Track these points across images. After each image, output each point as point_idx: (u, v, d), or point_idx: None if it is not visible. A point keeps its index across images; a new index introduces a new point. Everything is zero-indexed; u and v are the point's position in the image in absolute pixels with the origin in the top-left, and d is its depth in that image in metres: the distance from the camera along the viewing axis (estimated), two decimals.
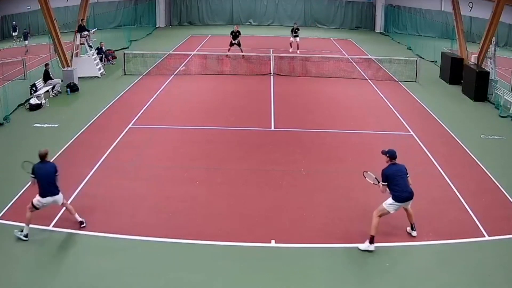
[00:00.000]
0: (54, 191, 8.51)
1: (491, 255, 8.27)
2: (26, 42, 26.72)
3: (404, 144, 13.45)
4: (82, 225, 8.81)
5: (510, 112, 16.56)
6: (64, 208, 8.86)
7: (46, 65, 18.51)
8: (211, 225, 9.06)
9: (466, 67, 19.89)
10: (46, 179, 8.43)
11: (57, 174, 8.57)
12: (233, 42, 24.52)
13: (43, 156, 8.61)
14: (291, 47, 26.74)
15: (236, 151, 12.78)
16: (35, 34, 33.02)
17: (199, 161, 11.98)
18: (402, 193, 8.25)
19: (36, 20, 32.82)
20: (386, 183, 8.32)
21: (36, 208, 8.47)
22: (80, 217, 8.86)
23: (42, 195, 8.43)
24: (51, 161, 11.67)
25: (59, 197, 8.62)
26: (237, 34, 24.59)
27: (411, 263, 8.02)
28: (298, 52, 25.78)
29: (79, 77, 19.57)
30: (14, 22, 30.86)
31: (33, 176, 8.44)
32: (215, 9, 39.81)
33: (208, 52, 25.64)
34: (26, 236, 8.42)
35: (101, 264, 7.83)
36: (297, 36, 26.60)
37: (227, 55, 24.53)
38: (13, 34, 29.70)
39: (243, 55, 24.39)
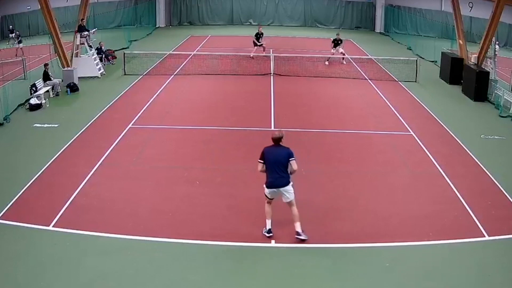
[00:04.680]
0: None
1: (491, 255, 8.27)
2: (20, 44, 26.71)
3: (404, 144, 13.48)
4: None
5: (510, 112, 16.55)
6: (65, 208, 8.84)
7: (46, 65, 18.49)
8: (211, 225, 9.05)
9: (466, 67, 19.88)
10: None
11: None
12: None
13: None
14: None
15: (236, 151, 12.78)
16: (35, 34, 33.07)
17: (199, 161, 11.98)
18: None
19: (36, 20, 32.81)
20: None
21: None
22: None
23: None
24: (51, 161, 11.80)
25: None
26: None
27: (411, 263, 8.02)
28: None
29: (79, 77, 19.55)
30: (11, 27, 30.83)
31: None
32: (215, 9, 39.79)
33: (208, 52, 25.65)
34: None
35: (101, 264, 7.82)
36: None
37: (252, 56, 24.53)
38: (10, 35, 29.75)
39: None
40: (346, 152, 12.87)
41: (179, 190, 10.47)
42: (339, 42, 24.19)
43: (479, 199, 10.17)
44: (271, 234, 8.46)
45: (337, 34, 24.75)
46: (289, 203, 8.35)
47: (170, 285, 7.42)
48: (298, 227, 8.30)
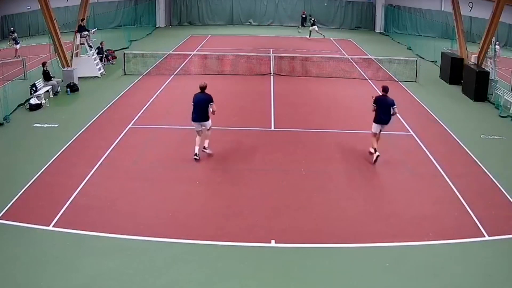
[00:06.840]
0: None
1: (491, 255, 8.28)
2: (17, 46, 26.73)
3: (404, 144, 13.48)
4: None
5: (510, 112, 16.56)
6: (65, 208, 8.84)
7: (44, 64, 18.22)
8: (211, 225, 9.06)
9: (466, 67, 19.88)
10: None
11: None
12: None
13: None
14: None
15: (236, 151, 12.78)
16: (35, 34, 33.05)
17: (199, 161, 11.98)
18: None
19: (36, 20, 32.79)
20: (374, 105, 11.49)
21: None
22: None
23: None
24: (51, 161, 11.80)
25: None
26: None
27: (411, 263, 8.02)
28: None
29: (79, 77, 19.56)
30: (12, 28, 30.86)
31: None
32: (215, 9, 39.82)
33: (208, 52, 25.66)
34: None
35: (101, 264, 7.83)
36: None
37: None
38: (12, 35, 29.80)
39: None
40: (346, 152, 12.87)
41: (179, 190, 10.47)
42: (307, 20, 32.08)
43: (479, 199, 10.17)
44: (197, 158, 11.69)
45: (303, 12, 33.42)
46: (208, 129, 11.89)
47: (170, 285, 7.43)
48: (206, 143, 11.91)
